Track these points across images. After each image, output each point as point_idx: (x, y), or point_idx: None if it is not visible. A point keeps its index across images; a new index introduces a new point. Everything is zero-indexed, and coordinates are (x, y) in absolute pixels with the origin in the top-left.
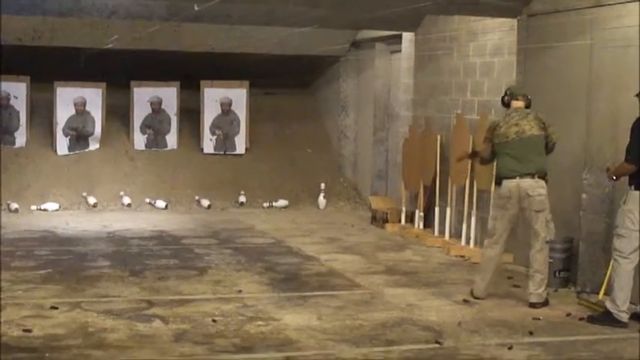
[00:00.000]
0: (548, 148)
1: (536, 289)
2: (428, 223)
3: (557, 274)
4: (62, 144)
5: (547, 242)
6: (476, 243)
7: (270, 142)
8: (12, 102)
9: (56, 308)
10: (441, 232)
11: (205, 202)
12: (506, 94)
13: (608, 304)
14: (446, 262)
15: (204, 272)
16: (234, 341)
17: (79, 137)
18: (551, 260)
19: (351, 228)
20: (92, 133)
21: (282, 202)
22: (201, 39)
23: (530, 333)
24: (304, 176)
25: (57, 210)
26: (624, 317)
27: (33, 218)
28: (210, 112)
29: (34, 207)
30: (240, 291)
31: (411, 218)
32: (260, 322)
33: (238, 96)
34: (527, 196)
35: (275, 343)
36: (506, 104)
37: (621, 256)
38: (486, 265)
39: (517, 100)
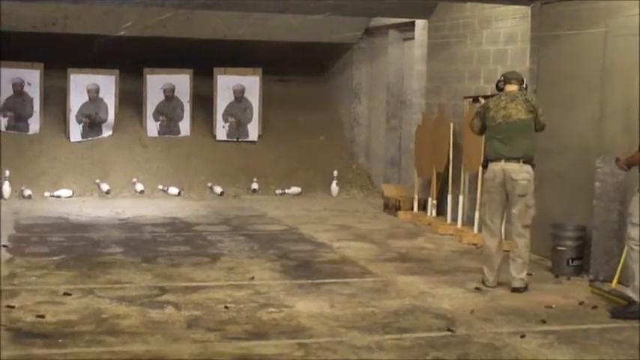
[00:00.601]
0: (536, 129)
1: (518, 274)
2: (440, 210)
3: (569, 262)
4: (75, 131)
5: (526, 227)
6: None
7: (282, 129)
8: (26, 89)
9: (69, 294)
10: (454, 219)
11: (218, 189)
12: (500, 79)
13: (633, 294)
14: (458, 249)
15: (217, 259)
16: (246, 328)
17: (92, 124)
18: (563, 248)
19: (363, 215)
20: (105, 120)
21: (294, 190)
22: (214, 26)
23: (543, 321)
24: (317, 163)
25: (70, 197)
26: None
27: (46, 205)
28: (223, 100)
29: (47, 193)
30: (252, 278)
31: (423, 206)
32: (272, 309)
33: (251, 83)
34: (511, 179)
35: (287, 330)
36: (500, 89)
37: (636, 244)
38: (490, 256)
39: (510, 84)
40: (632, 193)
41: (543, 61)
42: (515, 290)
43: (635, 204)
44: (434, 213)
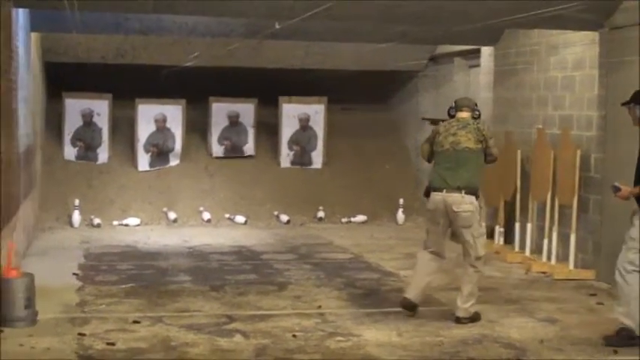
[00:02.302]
0: (487, 161)
1: (462, 304)
2: (508, 238)
3: None
4: (143, 160)
5: (478, 259)
6: (558, 259)
7: (348, 157)
8: (95, 119)
9: (138, 322)
10: (522, 247)
11: (284, 218)
12: (452, 106)
13: (626, 319)
14: (527, 278)
15: (284, 287)
16: (314, 357)
17: (159, 153)
18: None
19: None
20: (172, 149)
21: (360, 218)
22: (280, 55)
23: (615, 351)
24: (383, 191)
25: (138, 225)
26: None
27: (115, 233)
28: (288, 128)
29: (116, 222)
30: (319, 306)
31: (490, 234)
32: (340, 338)
33: (316, 112)
34: (452, 211)
35: (355, 359)
36: (452, 116)
37: (636, 269)
38: (422, 268)
39: (462, 111)
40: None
41: (612, 87)
42: (457, 321)
43: (636, 229)
44: (501, 241)
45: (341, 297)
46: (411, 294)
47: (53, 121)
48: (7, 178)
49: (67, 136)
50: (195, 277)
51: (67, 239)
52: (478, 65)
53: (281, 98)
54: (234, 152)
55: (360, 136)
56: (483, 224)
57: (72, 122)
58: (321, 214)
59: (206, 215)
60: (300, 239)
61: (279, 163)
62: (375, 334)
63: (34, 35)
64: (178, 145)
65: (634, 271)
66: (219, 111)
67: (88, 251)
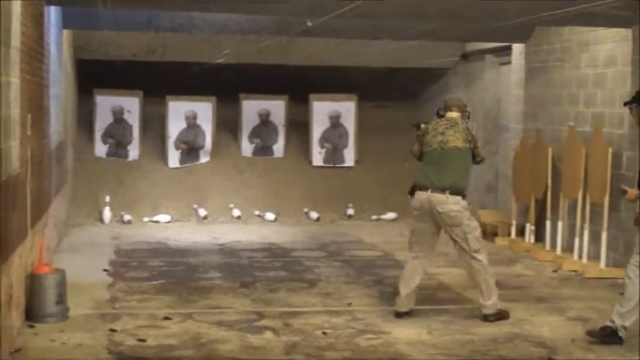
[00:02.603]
0: (476, 162)
1: (485, 301)
2: (539, 237)
3: None
4: (173, 157)
5: (476, 251)
6: (589, 257)
7: (378, 154)
8: (126, 116)
9: (169, 319)
10: (553, 246)
11: (314, 215)
12: (441, 106)
13: (620, 322)
14: (557, 276)
15: (314, 285)
16: (344, 354)
17: (190, 150)
18: None
19: None
20: (203, 146)
21: (390, 215)
22: (310, 53)
23: None
24: None
25: (168, 222)
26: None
27: (145, 230)
28: (319, 125)
29: (146, 219)
30: (349, 304)
31: (521, 232)
32: (370, 336)
33: (347, 109)
34: (437, 212)
35: (386, 357)
36: (441, 116)
37: None
38: (409, 275)
39: (451, 110)
40: None
41: None
42: (485, 318)
43: None
44: (532, 239)
45: (371, 294)
46: (403, 306)
47: (84, 118)
48: (38, 175)
49: (98, 133)
50: (226, 274)
51: (98, 235)
52: (509, 62)
53: (312, 95)
54: (263, 152)
55: (390, 133)
56: (473, 219)
57: (103, 119)
58: (350, 211)
59: (236, 212)
60: (329, 236)
61: (310, 161)
62: (405, 331)
63: (65, 33)
64: (208, 142)
65: None
66: (250, 108)
67: (119, 248)
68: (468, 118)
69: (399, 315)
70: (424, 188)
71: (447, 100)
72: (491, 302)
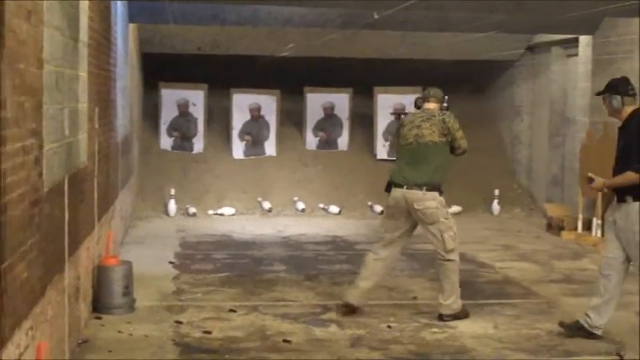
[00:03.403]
0: (456, 153)
1: (444, 300)
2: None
3: None
4: (238, 148)
5: (450, 251)
6: None
7: None
8: (190, 109)
9: (234, 311)
10: None
11: (378, 208)
12: (420, 96)
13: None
14: None
15: None
16: (409, 347)
17: (254, 142)
18: None
19: (525, 235)
20: (267, 139)
21: (455, 209)
22: (375, 46)
23: None
24: (478, 182)
25: (233, 214)
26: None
27: (210, 222)
28: (383, 118)
29: (211, 211)
30: (414, 297)
31: (588, 226)
32: (435, 329)
33: (411, 102)
34: (414, 209)
35: (451, 351)
36: (418, 107)
37: None
38: (372, 267)
39: (429, 102)
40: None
41: None
42: (440, 318)
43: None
44: (599, 233)
45: (435, 288)
46: (354, 298)
47: (149, 112)
48: (106, 168)
49: (163, 126)
50: (290, 267)
51: (163, 228)
52: (576, 55)
53: (376, 88)
54: (328, 146)
55: None
56: (450, 217)
57: (168, 112)
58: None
59: (300, 205)
60: None
61: (375, 155)
62: (470, 325)
63: (131, 26)
64: (273, 135)
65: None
66: (314, 102)
67: (184, 240)
68: (447, 109)
69: (346, 307)
70: (399, 185)
71: (427, 91)
72: (450, 302)
